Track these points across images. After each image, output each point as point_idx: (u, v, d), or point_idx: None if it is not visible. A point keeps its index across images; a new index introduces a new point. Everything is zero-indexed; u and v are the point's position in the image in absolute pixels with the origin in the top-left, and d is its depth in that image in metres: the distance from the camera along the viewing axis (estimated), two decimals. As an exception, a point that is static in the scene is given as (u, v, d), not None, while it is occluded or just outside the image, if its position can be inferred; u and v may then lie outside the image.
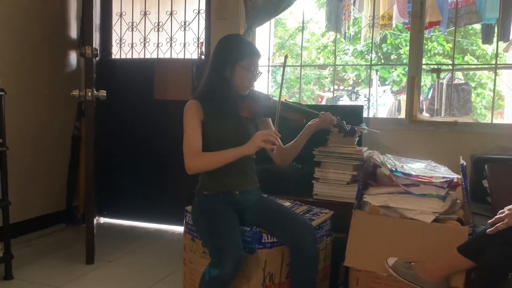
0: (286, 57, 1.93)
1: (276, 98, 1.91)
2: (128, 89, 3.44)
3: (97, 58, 2.90)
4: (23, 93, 3.06)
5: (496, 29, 3.52)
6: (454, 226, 1.91)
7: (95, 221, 2.75)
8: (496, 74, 3.06)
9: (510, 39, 4.43)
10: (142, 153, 3.44)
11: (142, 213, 3.45)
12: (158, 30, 3.46)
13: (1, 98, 2.40)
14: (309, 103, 9.52)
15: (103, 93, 2.71)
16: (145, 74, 3.42)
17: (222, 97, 1.89)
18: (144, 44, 3.51)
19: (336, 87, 10.07)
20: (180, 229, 2.19)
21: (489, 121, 3.06)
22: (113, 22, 3.55)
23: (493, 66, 3.18)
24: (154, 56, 3.49)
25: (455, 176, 2.03)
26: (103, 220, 3.56)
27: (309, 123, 2.03)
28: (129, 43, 3.55)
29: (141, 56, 3.53)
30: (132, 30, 3.53)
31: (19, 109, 2.99)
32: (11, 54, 2.98)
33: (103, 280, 2.47)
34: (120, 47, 3.57)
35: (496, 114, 8.86)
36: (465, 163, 2.01)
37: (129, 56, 3.56)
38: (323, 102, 8.42)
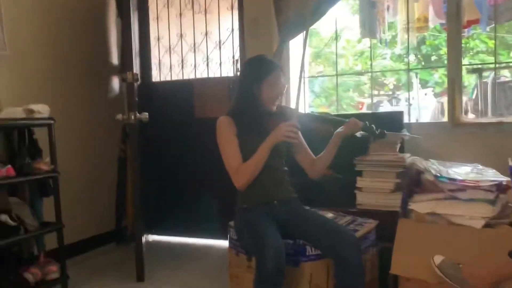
0: (306, 32, 2.02)
1: (312, 111, 1.96)
2: (169, 109, 3.54)
3: (138, 82, 3.00)
4: (71, 119, 3.22)
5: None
6: (506, 231, 1.83)
7: (143, 239, 2.83)
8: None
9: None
10: (185, 170, 3.53)
11: (188, 229, 3.52)
12: (194, 51, 3.56)
13: (51, 126, 2.55)
14: (349, 111, 9.43)
15: (145, 115, 2.81)
16: (184, 94, 3.51)
17: (252, 113, 1.98)
18: (182, 65, 3.62)
19: (376, 92, 9.90)
20: (226, 243, 2.22)
21: (540, 119, 2.91)
22: (152, 46, 3.69)
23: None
24: (192, 76, 3.59)
25: (504, 179, 1.95)
26: (151, 237, 3.66)
27: (337, 131, 2.04)
28: (167, 66, 3.68)
29: (179, 77, 3.64)
30: (170, 53, 3.65)
31: (67, 135, 3.14)
32: (58, 84, 3.15)
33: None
34: (160, 70, 3.70)
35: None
36: (514, 165, 1.92)
37: (168, 78, 3.68)
38: (364, 109, 8.30)
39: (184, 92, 3.53)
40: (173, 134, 3.56)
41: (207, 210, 3.38)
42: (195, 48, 3.55)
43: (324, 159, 2.06)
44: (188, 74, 3.61)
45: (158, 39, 3.68)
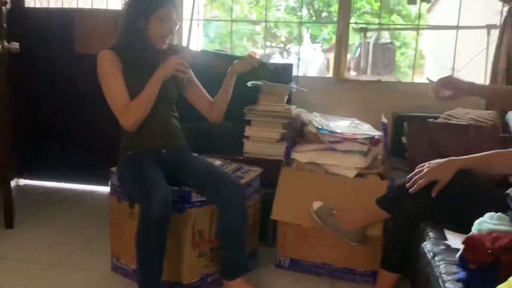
0: None
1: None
2: (45, 41, 3.16)
3: (7, 6, 2.61)
4: None
5: (420, -10, 3.64)
6: (374, 180, 2.03)
7: (13, 183, 2.58)
8: (418, 34, 3.20)
9: (432, 0, 4.62)
10: (63, 111, 3.24)
11: (66, 174, 3.28)
12: (77, -23, 3.19)
13: None
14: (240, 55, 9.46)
15: (15, 45, 2.47)
16: (64, 26, 3.15)
17: (138, 50, 1.83)
18: (62, -9, 3.23)
19: (268, 43, 10.05)
20: (106, 189, 2.12)
21: (410, 80, 3.22)
22: (25, -34, 3.21)
23: (416, 27, 3.31)
24: (73, 5, 3.22)
25: (376, 134, 2.13)
26: (23, 182, 3.36)
27: (231, 67, 1.98)
28: (44, -10, 3.25)
29: (59, 5, 3.25)
30: (47, -24, 3.22)
31: None
32: None
33: (25, 244, 2.36)
34: (34, -6, 3.26)
35: (417, 72, 9.39)
36: (386, 121, 2.11)
37: (45, 4, 3.27)
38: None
39: (63, 23, 3.16)
40: (50, 69, 3.20)
41: (88, 154, 3.17)
42: (78, -26, 3.18)
43: (222, 99, 1.99)
44: (69, 3, 3.24)
45: (33, -42, 3.21)
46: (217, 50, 2.37)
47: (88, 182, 3.27)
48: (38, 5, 3.28)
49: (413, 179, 1.64)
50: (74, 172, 3.25)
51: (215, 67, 1.97)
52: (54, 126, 3.28)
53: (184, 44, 2.03)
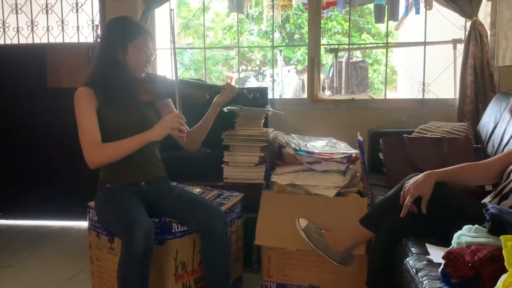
0: (171, 10, 1.92)
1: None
2: (16, 77, 3.13)
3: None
4: None
5: (386, 10, 3.74)
6: (354, 198, 2.04)
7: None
8: (387, 52, 3.28)
9: (399, 18, 4.77)
10: (37, 147, 3.18)
11: (42, 211, 3.20)
12: (47, 13, 3.18)
13: None
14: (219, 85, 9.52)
15: (-15, 84, 2.44)
16: (35, 60, 3.13)
17: (117, 81, 1.81)
18: (32, 27, 3.21)
19: (244, 67, 10.15)
20: (85, 224, 2.07)
21: (383, 97, 3.28)
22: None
23: (385, 45, 3.40)
24: (44, 41, 3.21)
25: (353, 151, 2.15)
26: (-1, 222, 3.26)
27: (215, 99, 1.99)
28: (14, 27, 3.23)
29: (29, 41, 3.23)
30: (17, 13, 3.21)
31: None
32: None
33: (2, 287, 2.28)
34: (4, 31, 3.24)
35: (391, 88, 9.60)
36: (361, 139, 2.13)
37: (15, 41, 3.24)
38: (232, 83, 8.45)
39: (34, 58, 3.14)
40: (22, 106, 3.16)
41: (64, 190, 3.11)
42: (48, 9, 3.17)
43: (201, 131, 1.97)
44: (40, 39, 3.22)
45: (2, -4, 3.20)
46: (195, 79, 2.38)
47: (66, 218, 3.20)
48: (8, 42, 3.25)
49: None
50: (50, 209, 3.18)
51: (193, 97, 1.96)
52: (26, 162, 3.21)
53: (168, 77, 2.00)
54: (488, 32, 2.70)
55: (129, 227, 1.61)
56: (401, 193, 1.66)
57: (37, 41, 3.22)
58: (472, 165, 1.71)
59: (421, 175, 1.64)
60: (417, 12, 3.62)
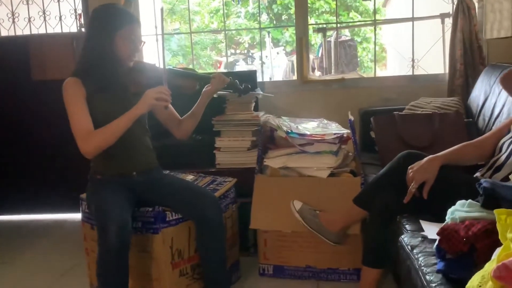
0: (162, 9, 1.89)
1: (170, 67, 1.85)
2: (0, 71, 3.07)
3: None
4: None
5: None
6: (347, 178, 2.04)
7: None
8: (375, 29, 3.25)
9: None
10: (25, 140, 3.13)
11: (34, 205, 3.17)
12: (27, 3, 3.10)
13: None
14: (207, 70, 9.43)
15: (-32, 79, 2.39)
16: (18, 53, 3.06)
17: (105, 71, 1.77)
18: (13, 19, 3.14)
19: (232, 51, 10.05)
20: (78, 216, 2.06)
21: (373, 75, 3.26)
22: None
23: (373, 22, 3.37)
24: (26, 32, 3.14)
25: (345, 131, 2.15)
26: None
27: (204, 89, 1.97)
28: (-6, 19, 3.15)
29: (11, 33, 3.15)
30: (-4, 4, 3.13)
31: None
32: None
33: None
34: (-16, 24, 3.16)
35: (381, 65, 9.58)
36: (352, 118, 2.12)
37: (-4, 34, 3.17)
38: (222, 67, 8.39)
39: (17, 50, 3.07)
40: (6, 99, 3.10)
41: (56, 183, 3.08)
42: (28, -1, 3.10)
43: (192, 120, 1.96)
44: (22, 30, 3.15)
45: (-21, -13, 3.11)
46: (185, 68, 2.34)
47: (59, 211, 3.17)
48: (-11, 35, 3.18)
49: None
50: (41, 202, 3.15)
51: (182, 87, 1.94)
52: (15, 155, 3.17)
53: (157, 64, 1.97)
54: (476, 5, 2.68)
55: (103, 222, 1.61)
56: (406, 178, 1.63)
57: (19, 32, 3.15)
58: (468, 144, 1.71)
59: (424, 160, 1.61)
60: (404, -13, 3.59)
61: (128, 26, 1.78)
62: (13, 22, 3.15)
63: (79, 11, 3.05)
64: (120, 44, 1.77)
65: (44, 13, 3.11)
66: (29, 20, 3.13)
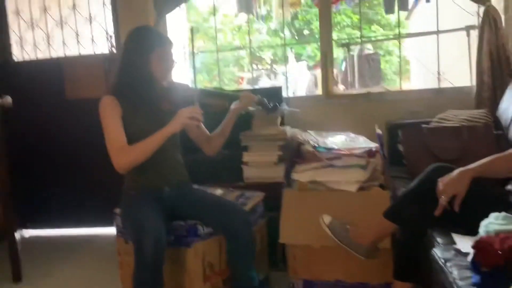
0: (192, 29, 1.96)
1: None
2: (37, 92, 3.21)
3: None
4: None
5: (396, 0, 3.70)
6: (376, 192, 2.04)
7: (17, 235, 2.57)
8: (400, 43, 3.26)
9: (409, 8, 4.72)
10: (60, 157, 3.25)
11: (69, 219, 3.28)
12: (61, 26, 3.25)
13: None
14: (231, 86, 9.54)
15: (8, 100, 2.50)
16: (53, 74, 3.20)
17: (140, 90, 1.84)
18: (48, 42, 3.28)
19: (255, 66, 10.17)
20: (113, 230, 2.11)
21: (398, 88, 3.26)
22: (10, 22, 3.27)
23: (397, 36, 3.38)
24: (60, 54, 3.28)
25: (373, 145, 2.15)
26: (27, 233, 3.33)
27: (232, 107, 2.03)
28: (31, 43, 3.30)
29: (46, 55, 3.30)
30: (33, 28, 3.28)
31: None
32: None
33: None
34: (22, 47, 3.31)
35: (404, 78, 9.50)
36: (380, 132, 2.13)
37: (33, 56, 3.32)
38: (244, 83, 8.48)
39: (52, 71, 3.21)
40: (43, 118, 3.23)
41: (89, 197, 3.18)
42: (62, 23, 3.24)
43: (221, 137, 2.02)
44: (57, 52, 3.29)
45: (18, 12, 3.27)
46: (214, 88, 2.43)
47: (92, 225, 3.26)
48: (26, 57, 3.32)
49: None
50: (77, 217, 3.25)
51: (212, 106, 2.01)
52: (52, 172, 3.28)
53: (190, 85, 2.05)
54: (502, 16, 2.67)
55: (139, 236, 1.65)
56: (436, 190, 1.62)
57: (53, 54, 3.29)
58: (499, 157, 1.66)
59: (454, 173, 1.58)
60: (427, 0, 3.59)
61: (162, 47, 1.84)
62: (48, 44, 3.29)
63: (110, 33, 3.17)
64: (154, 64, 1.83)
65: (77, 35, 3.24)
66: (63, 43, 3.27)
